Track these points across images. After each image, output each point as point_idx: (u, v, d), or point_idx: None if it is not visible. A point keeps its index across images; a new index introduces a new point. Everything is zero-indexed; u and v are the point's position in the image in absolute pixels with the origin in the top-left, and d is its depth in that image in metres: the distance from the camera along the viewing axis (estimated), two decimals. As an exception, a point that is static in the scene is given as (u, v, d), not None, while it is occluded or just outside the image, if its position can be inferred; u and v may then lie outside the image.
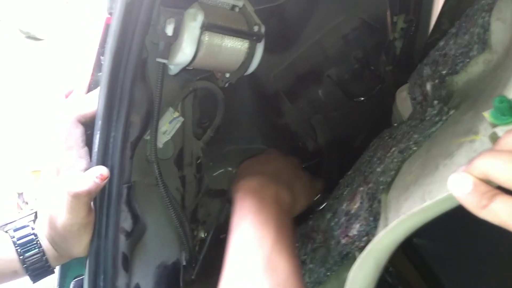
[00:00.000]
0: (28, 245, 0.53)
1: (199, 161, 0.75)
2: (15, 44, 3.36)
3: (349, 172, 0.68)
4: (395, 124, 0.65)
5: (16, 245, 0.53)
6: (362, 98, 0.74)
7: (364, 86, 0.74)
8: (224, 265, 0.51)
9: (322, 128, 0.79)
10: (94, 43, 0.65)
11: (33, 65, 3.17)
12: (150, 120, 0.59)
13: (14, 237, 0.53)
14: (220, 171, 0.85)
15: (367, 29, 0.72)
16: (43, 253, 0.54)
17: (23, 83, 2.99)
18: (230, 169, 0.85)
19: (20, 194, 2.10)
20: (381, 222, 0.49)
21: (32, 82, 3.00)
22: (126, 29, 0.47)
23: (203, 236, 0.76)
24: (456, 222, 0.50)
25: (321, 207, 0.69)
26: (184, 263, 0.68)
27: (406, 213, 0.38)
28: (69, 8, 3.46)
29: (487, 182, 0.30)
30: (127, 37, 0.48)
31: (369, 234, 0.49)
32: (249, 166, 0.70)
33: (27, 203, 2.13)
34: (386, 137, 0.64)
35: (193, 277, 0.70)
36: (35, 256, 0.53)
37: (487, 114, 0.35)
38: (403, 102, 0.68)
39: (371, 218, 0.50)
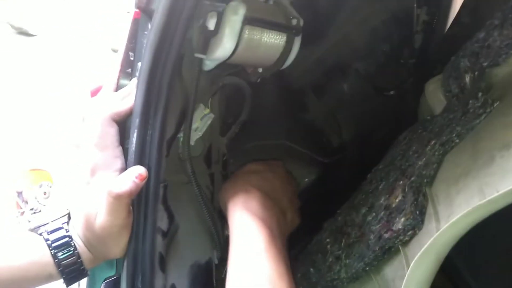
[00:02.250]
0: (63, 247, 0.52)
1: (224, 158, 0.74)
2: (5, 40, 3.28)
3: (380, 167, 0.68)
4: (428, 117, 0.64)
5: (51, 248, 0.51)
6: (392, 92, 0.73)
7: (393, 80, 0.74)
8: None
9: (347, 123, 0.78)
10: (120, 39, 0.64)
11: (25, 62, 3.10)
12: (185, 117, 0.57)
13: (48, 239, 0.52)
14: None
15: (394, 22, 0.71)
16: (78, 255, 0.53)
17: (15, 80, 2.93)
18: (251, 165, 0.84)
19: (19, 193, 2.06)
20: (428, 216, 0.48)
21: (24, 79, 2.94)
22: (169, 23, 0.45)
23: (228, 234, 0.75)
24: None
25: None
26: (216, 262, 0.67)
27: (472, 206, 0.38)
28: (63, 2, 3.39)
29: None
30: (169, 32, 0.46)
31: (415, 228, 0.49)
32: (251, 173, 0.66)
33: (26, 202, 2.09)
34: (420, 130, 0.63)
35: (223, 275, 0.69)
36: (70, 259, 0.52)
37: None
38: (433, 95, 0.67)
39: (417, 212, 0.49)
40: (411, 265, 0.43)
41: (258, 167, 0.68)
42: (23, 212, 2.07)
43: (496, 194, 0.36)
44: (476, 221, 0.40)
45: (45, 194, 2.11)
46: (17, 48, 3.22)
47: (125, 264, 0.54)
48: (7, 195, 2.06)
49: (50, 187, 2.13)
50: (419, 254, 0.42)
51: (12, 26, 3.25)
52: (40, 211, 2.08)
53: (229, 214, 0.58)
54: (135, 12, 0.60)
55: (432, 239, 0.41)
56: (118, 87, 0.60)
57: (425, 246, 0.41)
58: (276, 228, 0.57)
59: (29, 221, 2.02)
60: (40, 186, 2.12)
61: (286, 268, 0.52)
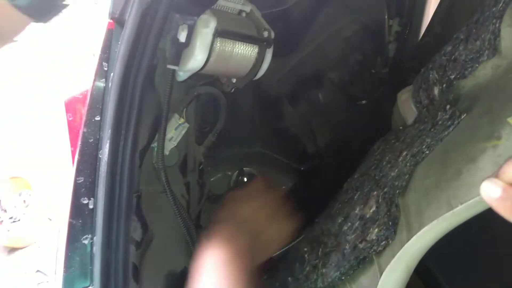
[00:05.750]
0: None
1: (201, 166, 0.74)
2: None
3: (356, 176, 0.69)
4: (401, 127, 0.66)
5: None
6: (364, 101, 0.75)
7: (365, 89, 0.75)
8: None
9: (322, 131, 0.79)
10: (93, 48, 0.64)
11: (5, 68, 3.06)
12: (158, 128, 0.58)
13: None
14: (219, 175, 0.85)
15: (367, 33, 0.73)
16: None
17: (-5, 86, 2.88)
18: (229, 173, 0.85)
19: (-2, 202, 2.02)
20: (400, 227, 0.48)
21: (5, 85, 2.90)
22: (139, 35, 0.46)
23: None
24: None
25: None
26: (192, 271, 0.67)
27: (437, 219, 0.39)
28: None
29: None
30: (140, 43, 0.47)
31: (388, 238, 0.49)
32: (230, 203, 0.65)
33: (5, 210, 2.05)
34: (393, 141, 0.64)
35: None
36: None
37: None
38: (405, 105, 0.69)
39: (390, 223, 0.49)
40: (382, 275, 0.44)
41: (236, 195, 0.66)
42: (2, 221, 2.03)
43: (460, 206, 0.37)
44: (443, 232, 0.40)
45: (24, 202, 2.08)
46: (-4, 54, 3.17)
47: (97, 274, 0.54)
48: (-15, 204, 2.02)
49: (30, 195, 2.09)
50: (389, 265, 0.43)
51: None
52: (19, 220, 2.04)
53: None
54: (109, 22, 0.61)
55: (401, 250, 0.42)
56: (90, 98, 0.60)
57: (395, 257, 0.42)
58: (241, 261, 0.55)
59: (8, 230, 1.99)
60: (20, 195, 2.08)
61: None
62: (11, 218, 2.03)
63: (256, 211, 0.63)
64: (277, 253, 0.66)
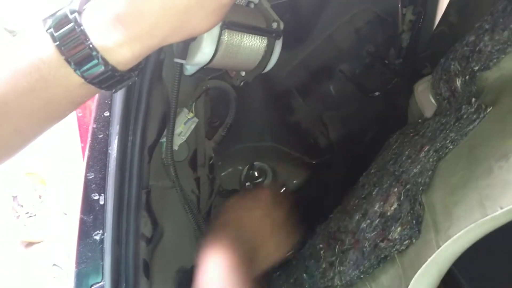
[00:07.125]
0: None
1: (211, 161, 0.74)
2: (2, 44, 3.27)
3: (372, 171, 0.67)
4: (419, 120, 0.64)
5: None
6: (377, 93, 0.73)
7: (378, 81, 0.74)
8: None
9: (334, 124, 0.78)
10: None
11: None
12: (167, 123, 0.57)
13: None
14: (229, 170, 0.84)
15: (379, 22, 0.71)
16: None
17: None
18: (239, 167, 0.84)
19: (14, 197, 2.06)
20: (426, 226, 0.46)
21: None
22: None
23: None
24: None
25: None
26: (203, 266, 0.66)
27: (473, 220, 0.37)
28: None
29: None
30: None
31: (411, 237, 0.47)
32: (234, 209, 0.61)
33: (22, 206, 2.09)
34: (411, 134, 0.62)
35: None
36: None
37: None
38: (422, 96, 0.67)
39: (414, 222, 0.47)
40: (413, 280, 0.42)
41: (237, 203, 0.62)
42: (19, 216, 2.06)
43: (499, 211, 0.35)
44: (478, 236, 0.38)
45: (40, 198, 2.11)
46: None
47: (107, 270, 0.54)
48: (2, 199, 2.06)
49: (45, 190, 2.12)
50: (421, 269, 0.41)
51: (7, 30, 3.25)
52: (35, 214, 2.07)
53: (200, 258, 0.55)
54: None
55: (434, 255, 0.39)
56: (100, 93, 0.60)
57: (427, 262, 0.40)
58: (242, 271, 0.52)
59: (25, 225, 2.02)
60: (35, 190, 2.11)
61: None
62: (27, 213, 2.06)
63: (259, 221, 0.59)
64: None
